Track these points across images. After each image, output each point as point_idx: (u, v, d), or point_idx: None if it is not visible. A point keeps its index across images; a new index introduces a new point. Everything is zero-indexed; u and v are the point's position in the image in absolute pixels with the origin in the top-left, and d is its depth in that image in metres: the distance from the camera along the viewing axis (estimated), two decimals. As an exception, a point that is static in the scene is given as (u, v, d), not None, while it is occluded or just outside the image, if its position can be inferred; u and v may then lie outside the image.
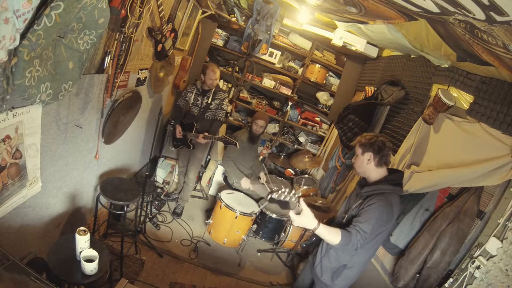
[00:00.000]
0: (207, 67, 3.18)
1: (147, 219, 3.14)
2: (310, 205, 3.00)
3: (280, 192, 1.62)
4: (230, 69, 4.28)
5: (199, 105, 3.31)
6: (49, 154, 1.75)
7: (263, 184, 3.56)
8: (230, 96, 4.35)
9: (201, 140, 3.14)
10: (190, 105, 3.33)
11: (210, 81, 3.18)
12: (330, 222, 1.96)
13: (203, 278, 2.82)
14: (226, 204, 3.00)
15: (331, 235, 1.55)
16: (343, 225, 1.69)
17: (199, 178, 4.00)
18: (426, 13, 1.47)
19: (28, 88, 1.19)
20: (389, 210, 1.59)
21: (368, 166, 1.70)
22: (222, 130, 4.15)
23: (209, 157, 3.99)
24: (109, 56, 1.89)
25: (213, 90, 3.28)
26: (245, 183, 3.45)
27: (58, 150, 1.84)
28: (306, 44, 4.18)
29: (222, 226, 3.02)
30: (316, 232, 1.56)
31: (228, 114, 4.43)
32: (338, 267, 1.74)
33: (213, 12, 3.46)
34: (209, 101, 3.28)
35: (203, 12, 3.55)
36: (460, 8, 1.13)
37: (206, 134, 3.13)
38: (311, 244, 2.01)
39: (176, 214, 3.55)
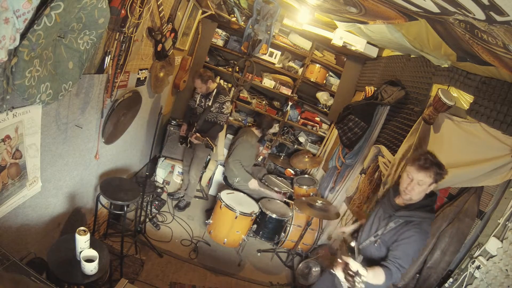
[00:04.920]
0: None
1: (147, 219, 3.14)
2: (309, 205, 3.01)
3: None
4: (230, 69, 4.28)
5: (203, 107, 3.42)
6: (49, 154, 1.75)
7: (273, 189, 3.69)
8: (230, 96, 4.34)
9: (193, 139, 3.24)
10: (196, 105, 3.47)
11: (199, 90, 3.33)
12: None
13: (203, 278, 2.83)
14: (226, 204, 3.00)
15: (376, 279, 1.55)
16: (375, 251, 1.70)
17: (199, 179, 4.01)
18: (426, 13, 1.47)
19: (28, 88, 1.19)
20: (425, 239, 1.60)
21: (424, 194, 1.64)
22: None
23: (209, 157, 4.00)
24: (109, 56, 1.89)
25: (214, 93, 3.34)
26: (253, 184, 3.51)
27: (58, 150, 1.84)
28: (306, 44, 4.17)
29: (222, 226, 3.02)
30: (366, 280, 1.53)
31: (228, 115, 4.43)
32: None
33: (213, 12, 3.46)
34: (210, 104, 3.35)
35: (203, 12, 3.55)
36: (460, 8, 1.13)
37: (198, 135, 3.20)
38: None
39: (178, 207, 3.62)
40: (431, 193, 1.69)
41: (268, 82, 4.31)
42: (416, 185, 1.60)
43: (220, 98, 3.35)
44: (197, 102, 3.45)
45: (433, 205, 1.68)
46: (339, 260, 1.55)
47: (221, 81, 4.39)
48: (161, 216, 3.43)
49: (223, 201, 3.02)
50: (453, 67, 2.19)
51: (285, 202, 3.57)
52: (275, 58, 4.25)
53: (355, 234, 2.08)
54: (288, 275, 3.25)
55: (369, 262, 1.73)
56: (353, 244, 1.95)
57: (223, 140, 4.12)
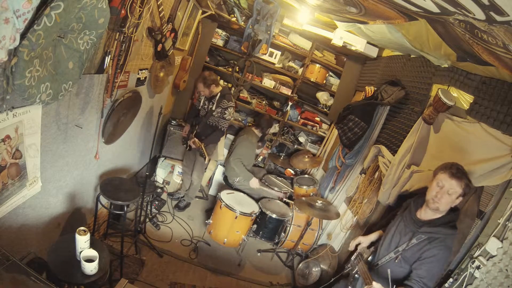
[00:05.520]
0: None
1: (147, 219, 3.14)
2: (309, 205, 3.01)
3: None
4: (230, 69, 4.28)
5: (206, 109, 3.38)
6: (49, 154, 1.75)
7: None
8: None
9: (191, 144, 3.26)
10: (200, 107, 3.45)
11: (202, 93, 3.31)
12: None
13: (203, 278, 2.83)
14: (226, 204, 3.00)
15: None
16: (395, 267, 1.68)
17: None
18: (426, 13, 1.47)
19: (28, 88, 1.19)
20: (449, 256, 1.59)
21: (449, 206, 1.62)
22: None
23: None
24: (109, 56, 1.89)
25: (218, 96, 3.28)
26: (254, 183, 3.51)
27: (58, 150, 1.84)
28: (306, 44, 4.17)
29: (222, 226, 3.02)
30: None
31: (230, 120, 4.43)
32: None
33: (213, 12, 3.46)
34: (213, 108, 3.31)
35: (203, 12, 3.55)
36: (460, 8, 1.13)
37: (196, 140, 3.22)
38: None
39: (178, 207, 3.62)
40: (454, 208, 1.67)
41: (268, 82, 4.31)
42: (446, 194, 1.58)
43: (223, 103, 3.26)
44: (201, 103, 3.42)
45: (457, 220, 1.65)
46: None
47: (221, 81, 4.39)
48: (161, 216, 3.43)
49: (223, 201, 3.02)
50: (453, 67, 2.19)
51: (285, 202, 3.57)
52: (275, 58, 4.24)
53: (372, 248, 2.00)
54: (288, 275, 3.25)
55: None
56: (370, 258, 1.91)
57: (223, 140, 4.12)
